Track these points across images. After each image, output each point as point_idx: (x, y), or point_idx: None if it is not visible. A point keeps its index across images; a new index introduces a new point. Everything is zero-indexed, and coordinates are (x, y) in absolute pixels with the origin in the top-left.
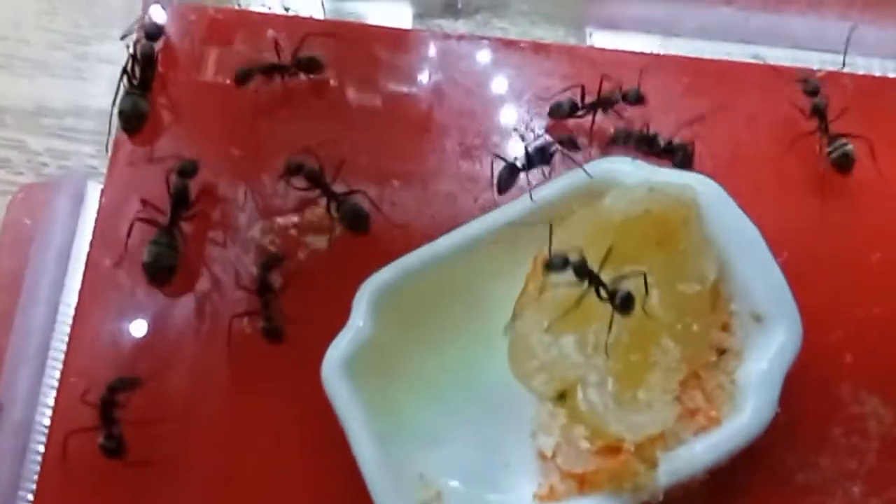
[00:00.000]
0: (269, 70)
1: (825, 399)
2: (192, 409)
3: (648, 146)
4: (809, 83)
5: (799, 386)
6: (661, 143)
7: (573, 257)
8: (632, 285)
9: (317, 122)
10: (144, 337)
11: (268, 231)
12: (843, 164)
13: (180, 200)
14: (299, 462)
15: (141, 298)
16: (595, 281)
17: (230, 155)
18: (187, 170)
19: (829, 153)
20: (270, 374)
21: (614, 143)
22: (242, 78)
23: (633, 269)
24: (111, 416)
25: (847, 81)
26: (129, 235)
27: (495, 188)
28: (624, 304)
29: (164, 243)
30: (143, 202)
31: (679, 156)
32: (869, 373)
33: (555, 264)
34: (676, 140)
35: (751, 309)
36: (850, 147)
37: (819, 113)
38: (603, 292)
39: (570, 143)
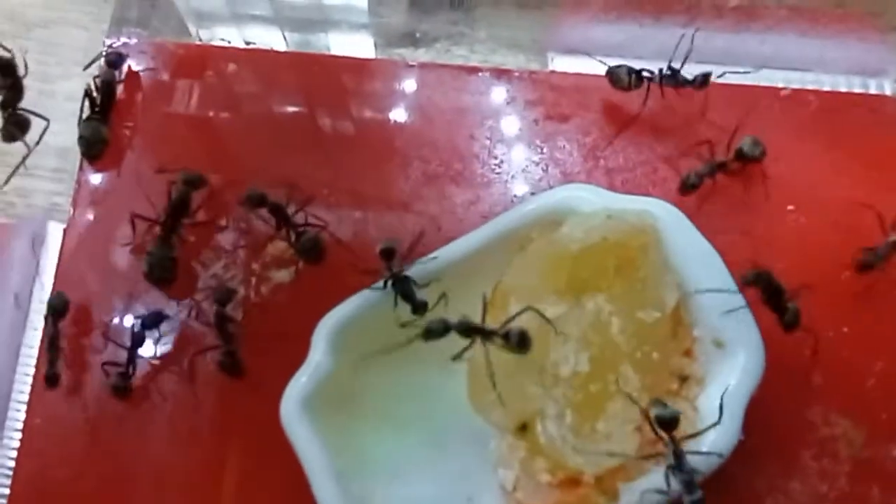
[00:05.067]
0: None
1: (795, 422)
2: (153, 441)
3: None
4: (746, 278)
5: (768, 409)
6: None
7: (452, 320)
8: (591, 314)
9: (280, 153)
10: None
11: (230, 266)
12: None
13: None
14: (261, 499)
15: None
16: (482, 332)
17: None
18: (192, 181)
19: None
20: (234, 409)
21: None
22: None
23: (591, 297)
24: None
25: (812, 98)
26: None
27: None
28: (520, 342)
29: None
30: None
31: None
32: (839, 394)
33: (434, 330)
34: None
35: (712, 335)
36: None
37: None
38: (497, 339)
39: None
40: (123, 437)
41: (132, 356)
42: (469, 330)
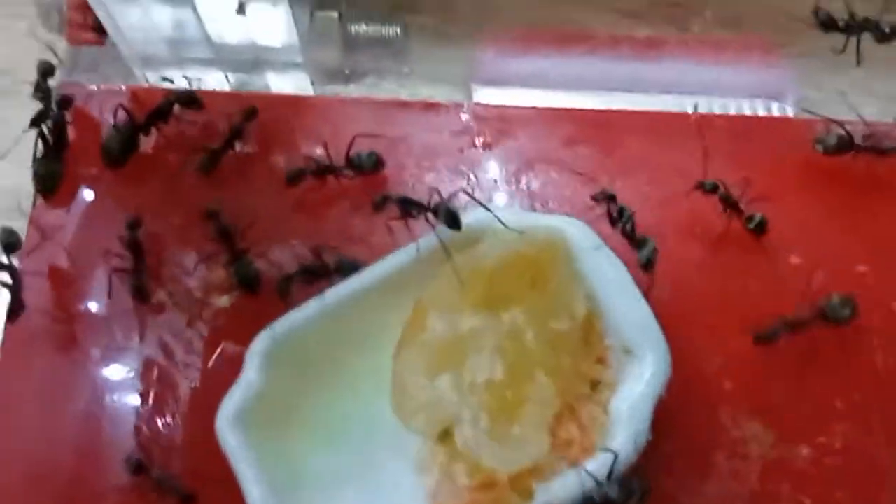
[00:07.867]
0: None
1: (707, 426)
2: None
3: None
4: (706, 184)
5: (681, 415)
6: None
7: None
8: (507, 324)
9: (223, 184)
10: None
11: (173, 294)
12: (760, 229)
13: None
14: None
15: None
16: (417, 205)
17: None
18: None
19: (747, 224)
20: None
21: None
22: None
23: (507, 309)
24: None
25: (720, 123)
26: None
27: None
28: (450, 221)
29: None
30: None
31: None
32: (748, 399)
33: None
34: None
35: (622, 343)
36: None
37: (728, 202)
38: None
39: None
40: None
41: (137, 261)
42: (406, 202)
